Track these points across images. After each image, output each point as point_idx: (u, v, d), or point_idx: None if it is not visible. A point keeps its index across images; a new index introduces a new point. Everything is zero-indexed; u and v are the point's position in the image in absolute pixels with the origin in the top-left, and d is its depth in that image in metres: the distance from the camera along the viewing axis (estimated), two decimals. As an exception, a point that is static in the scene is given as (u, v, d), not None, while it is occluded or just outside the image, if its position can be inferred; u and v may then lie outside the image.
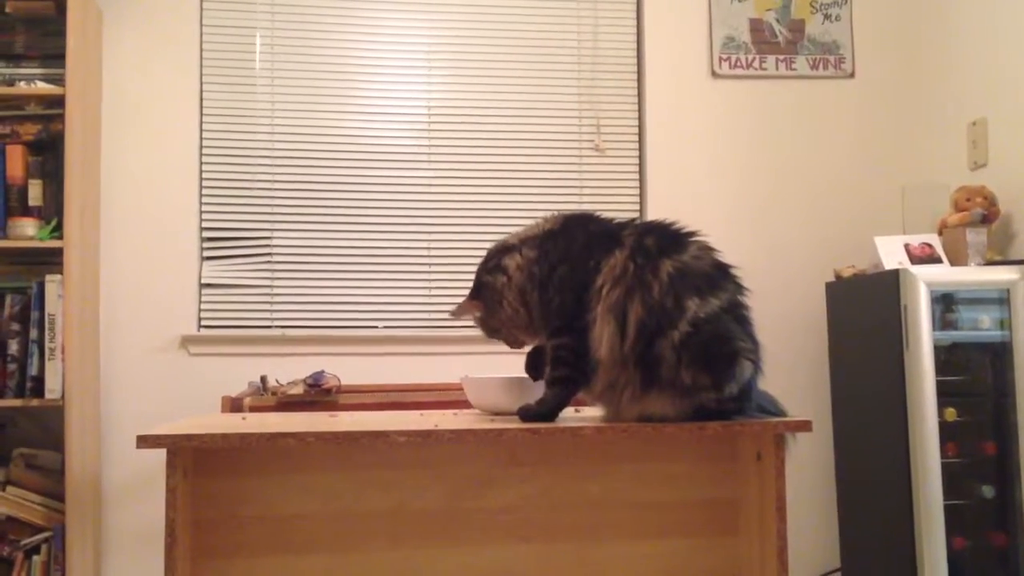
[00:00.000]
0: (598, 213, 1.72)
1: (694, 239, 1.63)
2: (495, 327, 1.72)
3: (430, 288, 3.27)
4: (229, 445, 1.44)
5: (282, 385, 2.82)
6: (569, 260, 1.62)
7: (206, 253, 3.19)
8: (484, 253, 1.76)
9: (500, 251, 1.71)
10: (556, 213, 1.73)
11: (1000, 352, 2.68)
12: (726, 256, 1.64)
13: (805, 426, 1.57)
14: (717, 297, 1.56)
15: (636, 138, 3.41)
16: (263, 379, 2.88)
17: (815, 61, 3.44)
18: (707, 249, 1.63)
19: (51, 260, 2.83)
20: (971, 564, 2.64)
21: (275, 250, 3.22)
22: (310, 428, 1.50)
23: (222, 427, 1.53)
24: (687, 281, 1.55)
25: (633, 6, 3.43)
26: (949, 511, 2.57)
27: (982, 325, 2.72)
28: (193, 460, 1.61)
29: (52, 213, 2.85)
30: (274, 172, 3.23)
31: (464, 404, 2.21)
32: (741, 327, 1.58)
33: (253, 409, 2.64)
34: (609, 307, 1.55)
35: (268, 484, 1.65)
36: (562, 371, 1.61)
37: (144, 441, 1.42)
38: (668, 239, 1.61)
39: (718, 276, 1.59)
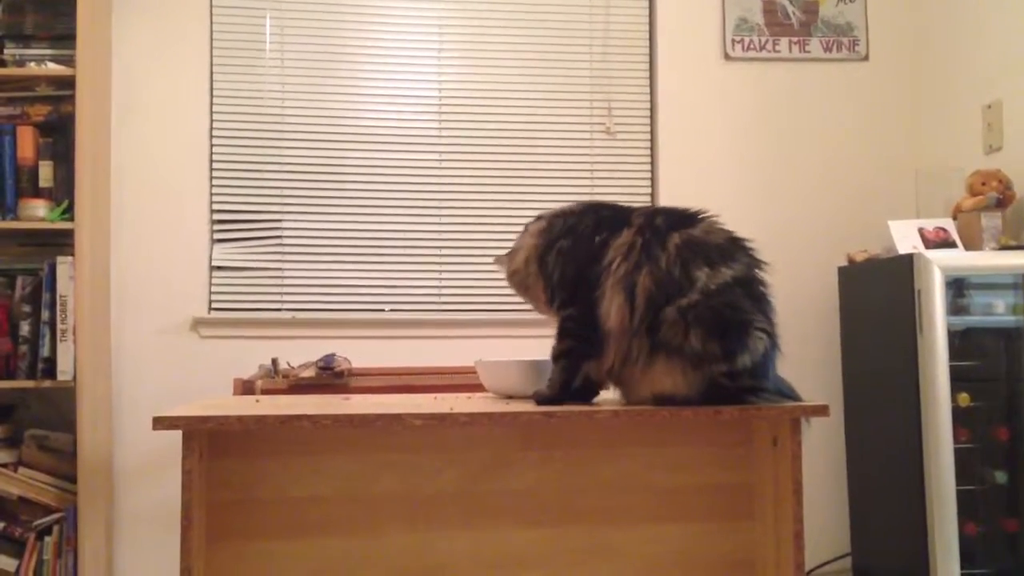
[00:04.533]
0: (616, 202, 1.74)
1: (705, 216, 1.64)
2: (516, 286, 1.79)
3: (441, 271, 3.26)
4: (245, 427, 1.44)
5: (293, 368, 2.82)
6: (573, 235, 1.65)
7: (216, 235, 3.18)
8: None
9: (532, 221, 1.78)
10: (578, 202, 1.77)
11: (1014, 337, 2.67)
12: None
13: (822, 411, 1.56)
14: (729, 267, 1.55)
15: (647, 121, 3.39)
16: (274, 361, 2.88)
17: (829, 43, 3.41)
18: (718, 225, 1.62)
19: (62, 241, 2.83)
20: (983, 550, 2.63)
21: (285, 233, 3.21)
22: (325, 411, 1.49)
23: (237, 409, 1.53)
24: (696, 251, 1.55)
25: (645, -13, 3.41)
26: (961, 496, 2.57)
27: (996, 310, 2.70)
28: (208, 442, 1.61)
29: (63, 194, 2.84)
30: (284, 155, 3.22)
31: (475, 388, 2.21)
32: (756, 303, 1.56)
33: (265, 392, 2.64)
34: (618, 280, 1.55)
35: (282, 466, 1.65)
36: (566, 343, 1.62)
37: (160, 423, 1.41)
38: (678, 217, 1.63)
39: (731, 248, 1.59)
